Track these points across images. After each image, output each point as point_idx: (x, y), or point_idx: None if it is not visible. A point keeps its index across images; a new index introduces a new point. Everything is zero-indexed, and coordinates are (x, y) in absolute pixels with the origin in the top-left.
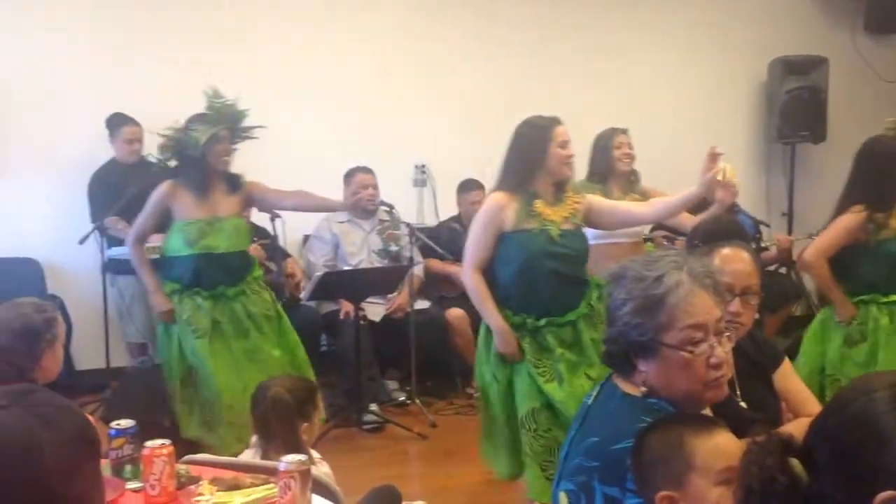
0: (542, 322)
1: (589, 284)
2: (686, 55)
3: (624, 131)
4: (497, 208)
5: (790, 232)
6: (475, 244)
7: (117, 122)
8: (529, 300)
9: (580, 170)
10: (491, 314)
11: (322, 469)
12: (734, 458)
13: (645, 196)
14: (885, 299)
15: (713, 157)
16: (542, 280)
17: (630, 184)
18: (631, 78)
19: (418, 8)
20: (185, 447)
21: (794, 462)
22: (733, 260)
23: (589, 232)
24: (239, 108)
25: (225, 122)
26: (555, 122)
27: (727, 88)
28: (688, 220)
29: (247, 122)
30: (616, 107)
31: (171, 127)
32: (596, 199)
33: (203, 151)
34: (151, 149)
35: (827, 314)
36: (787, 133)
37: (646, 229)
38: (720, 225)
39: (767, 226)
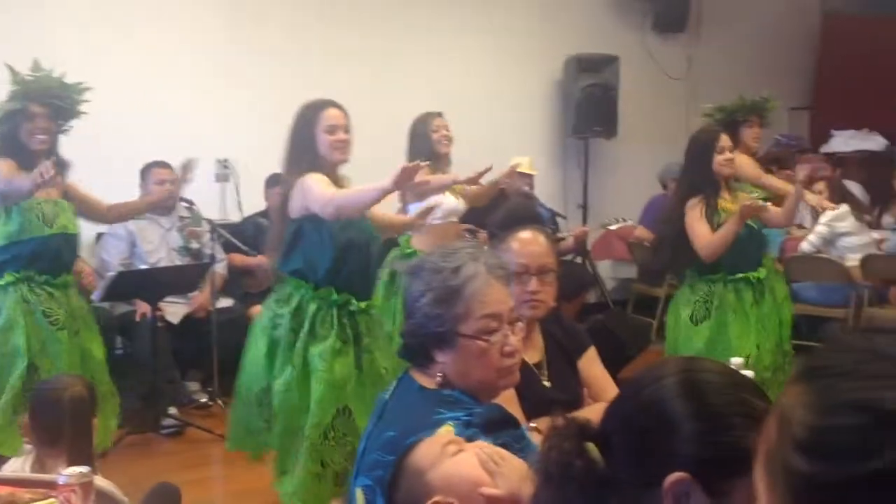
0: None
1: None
2: (487, 53)
3: (439, 114)
4: None
5: (585, 223)
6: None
7: None
8: None
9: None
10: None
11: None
12: None
13: None
14: (730, 277)
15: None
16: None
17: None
18: (440, 69)
19: (217, 0)
20: None
21: (591, 446)
22: (529, 242)
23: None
24: (61, 83)
25: (37, 98)
26: (325, 105)
27: (526, 85)
28: None
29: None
30: (421, 99)
31: None
32: None
33: (12, 128)
34: None
35: (677, 295)
36: (581, 128)
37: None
38: (516, 213)
39: (564, 217)
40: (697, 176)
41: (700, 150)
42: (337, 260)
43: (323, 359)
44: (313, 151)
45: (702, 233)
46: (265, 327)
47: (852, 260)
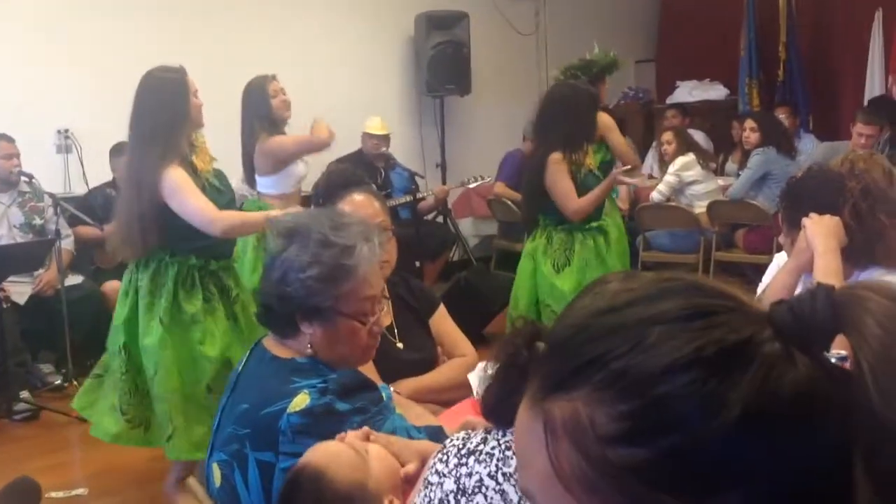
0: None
1: None
2: (337, 12)
3: (274, 77)
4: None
5: (444, 181)
6: None
7: None
8: None
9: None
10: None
11: None
12: None
13: None
14: (586, 226)
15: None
16: None
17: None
18: (291, 30)
19: None
20: None
21: (541, 345)
22: (362, 205)
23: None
24: None
25: None
26: (183, 71)
27: (379, 43)
28: None
29: None
30: (272, 60)
31: None
32: None
33: None
34: None
35: (533, 247)
36: (435, 86)
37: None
38: (340, 176)
39: (423, 177)
40: (579, 130)
41: (587, 105)
42: (199, 239)
43: (196, 320)
44: (185, 119)
45: (569, 193)
46: (124, 291)
47: (700, 207)
